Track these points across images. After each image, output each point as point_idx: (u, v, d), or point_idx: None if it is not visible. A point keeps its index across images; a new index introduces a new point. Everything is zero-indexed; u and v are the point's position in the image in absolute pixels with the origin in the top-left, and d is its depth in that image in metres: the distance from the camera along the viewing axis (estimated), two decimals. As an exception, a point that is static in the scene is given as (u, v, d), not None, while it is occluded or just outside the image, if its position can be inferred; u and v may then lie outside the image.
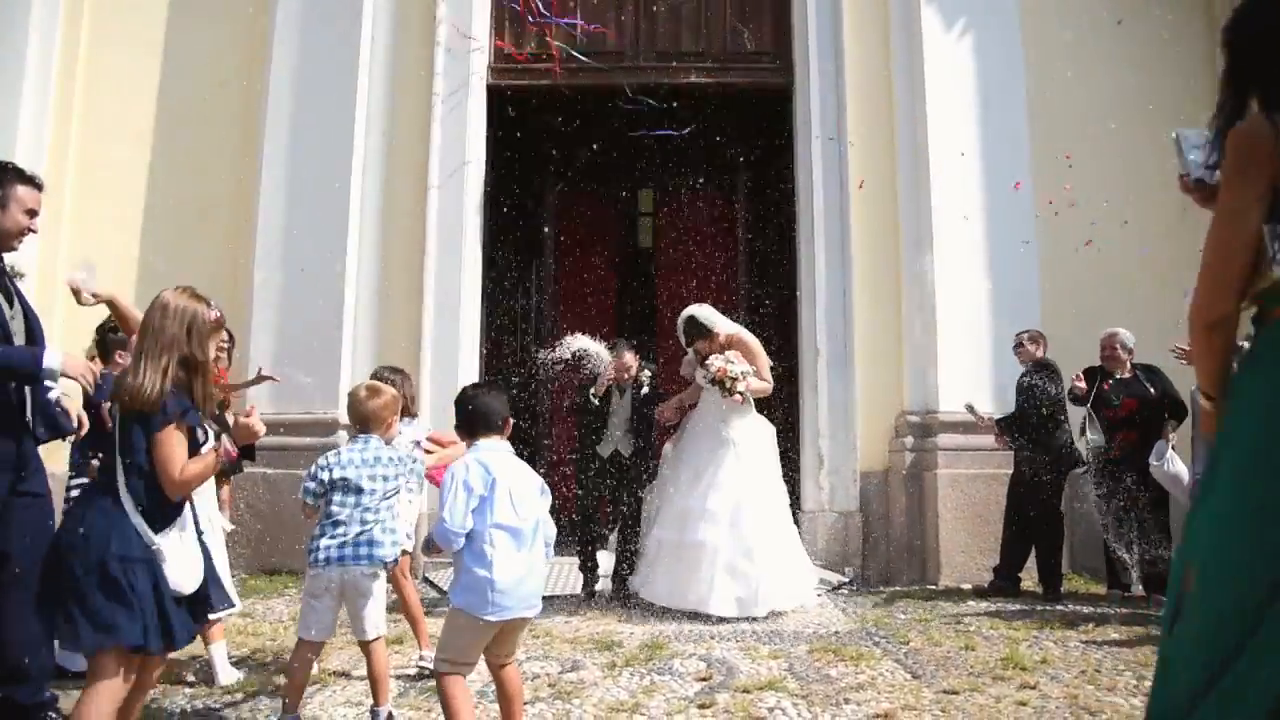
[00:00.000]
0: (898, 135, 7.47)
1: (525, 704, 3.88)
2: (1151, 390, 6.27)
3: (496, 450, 3.15)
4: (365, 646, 3.54)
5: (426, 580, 6.84)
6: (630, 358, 6.03)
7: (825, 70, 7.55)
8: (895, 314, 7.31)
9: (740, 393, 5.66)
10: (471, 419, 3.20)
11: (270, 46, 7.48)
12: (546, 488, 3.24)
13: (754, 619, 5.50)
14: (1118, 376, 6.36)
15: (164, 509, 2.76)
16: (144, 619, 2.64)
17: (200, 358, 2.82)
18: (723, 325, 5.98)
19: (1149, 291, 7.40)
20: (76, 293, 3.98)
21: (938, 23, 7.44)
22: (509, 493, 3.04)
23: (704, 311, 5.98)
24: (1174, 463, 6.05)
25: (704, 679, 4.31)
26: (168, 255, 7.48)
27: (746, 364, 5.74)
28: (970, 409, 6.51)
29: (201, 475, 2.84)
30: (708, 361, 5.76)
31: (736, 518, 5.55)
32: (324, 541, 3.46)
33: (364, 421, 3.66)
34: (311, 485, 3.50)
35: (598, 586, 6.27)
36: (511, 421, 3.30)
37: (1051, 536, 6.37)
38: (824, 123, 7.49)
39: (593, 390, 6.01)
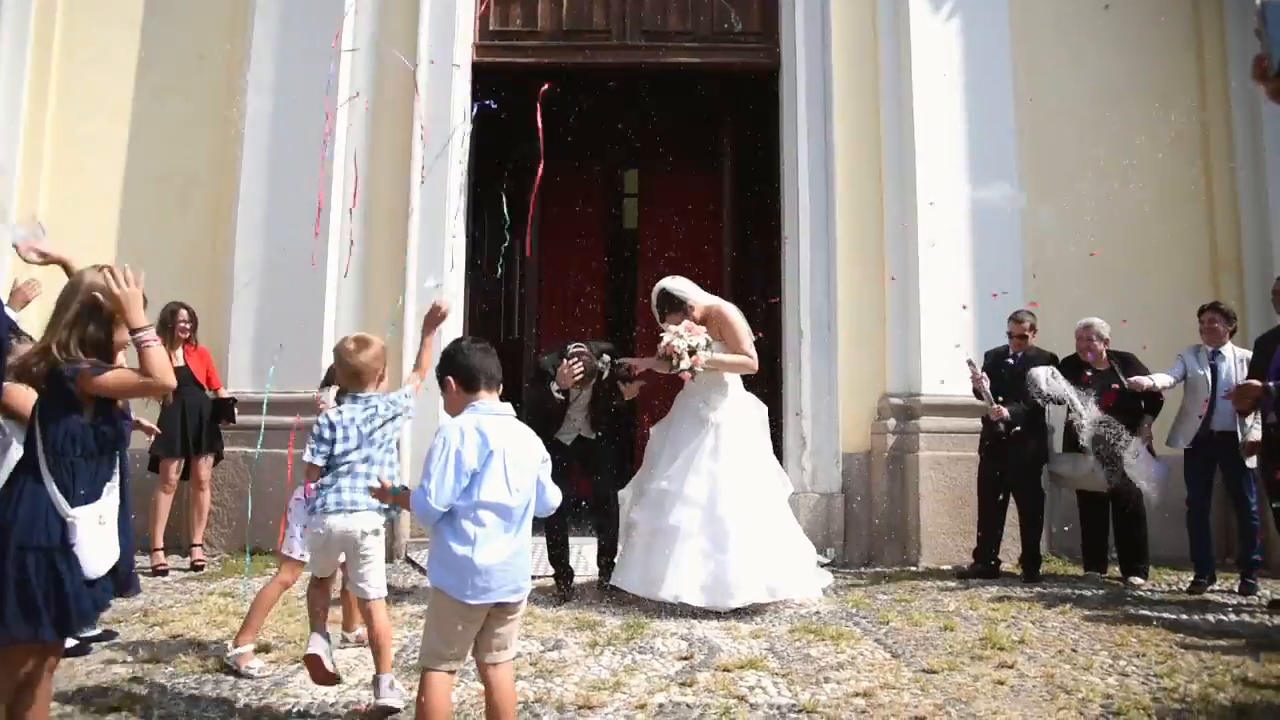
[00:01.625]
0: (883, 116, 7.44)
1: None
2: (1125, 382, 6.28)
3: (498, 414, 2.90)
4: (365, 607, 3.59)
5: (410, 561, 6.83)
6: (570, 365, 5.51)
7: (812, 50, 7.51)
8: (879, 296, 7.30)
9: (691, 369, 5.36)
10: (471, 371, 2.91)
11: (250, 19, 7.37)
12: (548, 456, 3.03)
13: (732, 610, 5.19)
14: (1096, 369, 6.38)
15: (88, 486, 2.74)
16: (39, 611, 2.62)
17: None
18: (698, 297, 5.67)
19: (1138, 275, 7.44)
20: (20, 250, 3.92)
21: (925, 3, 7.41)
22: (504, 466, 2.82)
23: (675, 283, 5.71)
24: (1145, 460, 6.09)
25: (685, 658, 4.33)
26: (147, 232, 7.40)
27: (701, 336, 5.42)
28: (970, 364, 6.42)
29: (161, 368, 2.77)
30: (661, 335, 5.46)
31: (714, 503, 5.29)
32: (325, 502, 3.59)
33: (356, 377, 3.63)
34: (323, 448, 3.57)
35: (575, 582, 5.89)
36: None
37: (1032, 519, 6.42)
38: (810, 103, 7.46)
39: (554, 387, 5.56)
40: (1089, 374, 6.35)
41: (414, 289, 7.21)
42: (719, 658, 4.32)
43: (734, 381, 5.65)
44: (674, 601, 5.17)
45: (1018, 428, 6.29)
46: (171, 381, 2.81)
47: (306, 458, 3.61)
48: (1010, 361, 6.49)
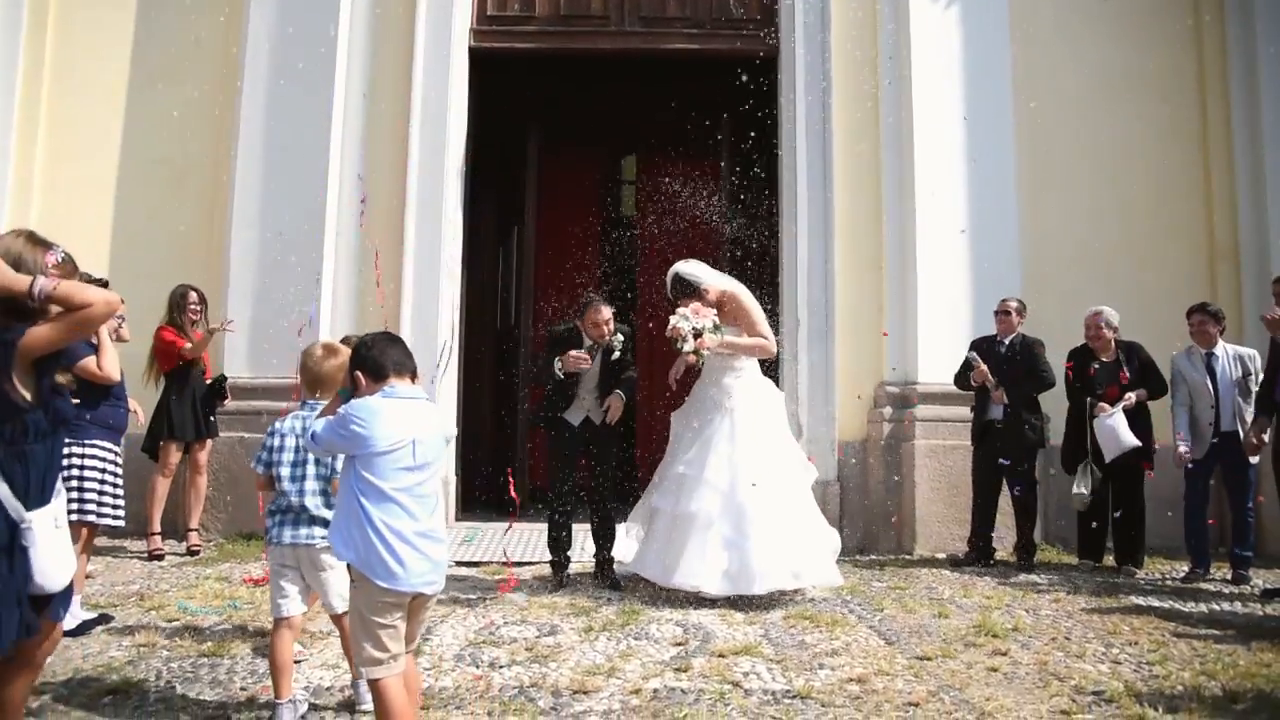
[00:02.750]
0: (882, 105, 7.43)
1: (502, 667, 3.92)
2: (1128, 374, 6.31)
3: (410, 398, 2.89)
4: (336, 620, 3.44)
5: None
6: (606, 312, 5.52)
7: (811, 38, 7.49)
8: (876, 285, 7.30)
9: (695, 352, 5.33)
10: (375, 362, 2.89)
11: (246, 3, 7.32)
12: (453, 436, 3.12)
13: (751, 597, 5.10)
14: (1103, 360, 6.39)
15: (39, 489, 2.52)
16: None
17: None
18: (712, 280, 5.63)
19: (1134, 265, 7.45)
20: None
21: (924, -9, 7.38)
22: (414, 448, 2.82)
23: (689, 267, 5.68)
24: (1119, 424, 6.11)
25: (680, 644, 4.35)
26: (143, 216, 7.38)
27: (709, 319, 5.36)
28: (973, 359, 6.44)
29: (84, 299, 2.46)
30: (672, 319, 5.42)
31: (733, 488, 5.18)
32: (277, 517, 3.38)
33: (316, 384, 3.43)
34: (261, 454, 3.39)
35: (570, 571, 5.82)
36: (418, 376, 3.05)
37: (1026, 507, 6.44)
38: (809, 91, 7.44)
39: (558, 364, 5.49)
40: (1095, 366, 6.37)
41: (410, 276, 7.20)
42: (714, 644, 4.33)
43: (750, 366, 5.58)
44: (693, 591, 5.12)
45: (1003, 414, 6.32)
46: (107, 307, 2.49)
47: (251, 464, 3.52)
48: (1000, 349, 6.50)
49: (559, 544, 5.72)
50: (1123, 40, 7.72)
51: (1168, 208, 7.62)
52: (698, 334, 5.32)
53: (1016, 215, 7.29)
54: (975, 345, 6.61)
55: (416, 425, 2.85)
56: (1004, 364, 6.44)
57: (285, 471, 3.34)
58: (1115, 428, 6.11)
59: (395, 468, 2.79)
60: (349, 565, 2.83)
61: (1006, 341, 6.52)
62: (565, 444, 5.69)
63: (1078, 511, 6.49)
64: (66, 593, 2.73)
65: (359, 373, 2.91)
